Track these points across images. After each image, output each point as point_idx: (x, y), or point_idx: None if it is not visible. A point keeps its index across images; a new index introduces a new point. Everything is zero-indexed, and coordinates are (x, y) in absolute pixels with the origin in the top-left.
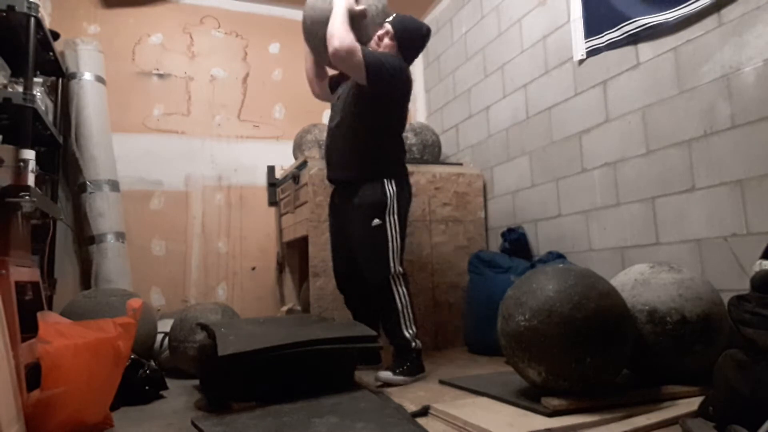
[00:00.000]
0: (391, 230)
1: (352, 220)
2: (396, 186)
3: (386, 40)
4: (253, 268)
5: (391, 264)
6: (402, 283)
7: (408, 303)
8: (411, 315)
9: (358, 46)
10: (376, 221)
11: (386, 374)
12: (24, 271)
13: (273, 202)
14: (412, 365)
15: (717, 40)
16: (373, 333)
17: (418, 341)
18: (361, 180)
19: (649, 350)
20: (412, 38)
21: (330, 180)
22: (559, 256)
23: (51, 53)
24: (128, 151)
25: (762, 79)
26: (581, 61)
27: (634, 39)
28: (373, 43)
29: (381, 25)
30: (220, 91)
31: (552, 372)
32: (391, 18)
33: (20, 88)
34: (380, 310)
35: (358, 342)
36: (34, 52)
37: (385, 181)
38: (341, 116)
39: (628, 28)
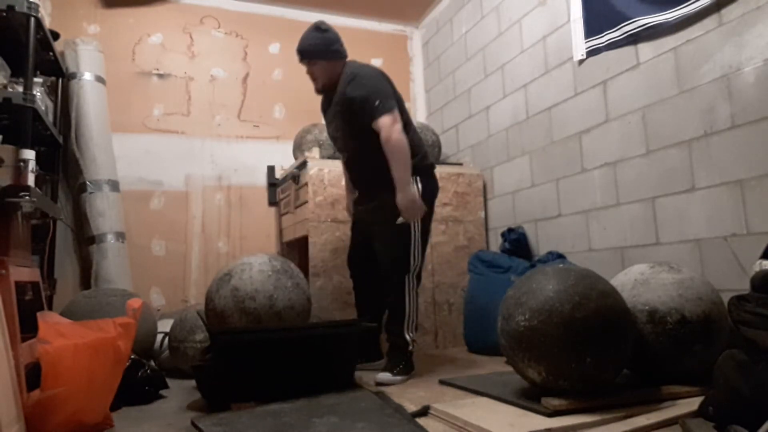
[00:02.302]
0: (415, 228)
1: (375, 219)
2: (421, 182)
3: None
4: None
5: (411, 262)
6: (415, 287)
7: (415, 308)
8: (415, 319)
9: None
10: (400, 219)
11: (385, 376)
12: (24, 271)
13: (273, 202)
14: (406, 364)
15: (717, 40)
16: (373, 324)
17: (414, 344)
18: (382, 188)
19: (649, 350)
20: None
21: (361, 203)
22: (559, 256)
23: (51, 53)
24: (128, 151)
25: (762, 79)
26: (581, 61)
27: (634, 39)
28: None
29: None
30: (220, 91)
31: (552, 372)
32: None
33: (20, 88)
34: (388, 307)
35: (356, 328)
36: (34, 52)
37: (410, 179)
38: (350, 140)
39: (628, 28)
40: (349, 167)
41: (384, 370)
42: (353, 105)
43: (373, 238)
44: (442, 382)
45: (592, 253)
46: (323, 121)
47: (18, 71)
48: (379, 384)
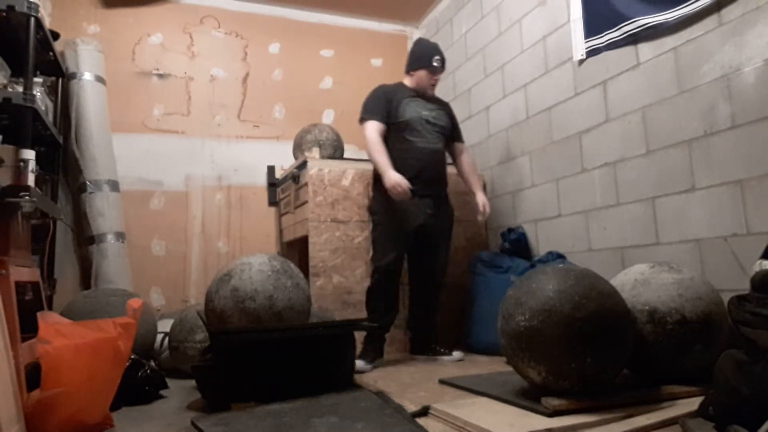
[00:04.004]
0: None
1: (446, 225)
2: None
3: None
4: None
5: None
6: None
7: None
8: None
9: None
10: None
11: (458, 353)
12: (24, 271)
13: (273, 202)
14: None
15: (717, 40)
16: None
17: None
18: (446, 194)
19: (649, 350)
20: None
21: (422, 195)
22: (559, 256)
23: (51, 53)
24: (128, 151)
25: (762, 79)
26: (581, 61)
27: (634, 39)
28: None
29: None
30: (220, 91)
31: (552, 372)
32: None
33: (20, 88)
34: (436, 303)
35: (356, 327)
36: (34, 52)
37: None
38: (442, 140)
39: (628, 28)
40: (426, 159)
41: (448, 351)
42: (455, 121)
43: (438, 243)
44: (442, 382)
45: (592, 253)
46: (324, 120)
47: (18, 71)
48: (459, 360)
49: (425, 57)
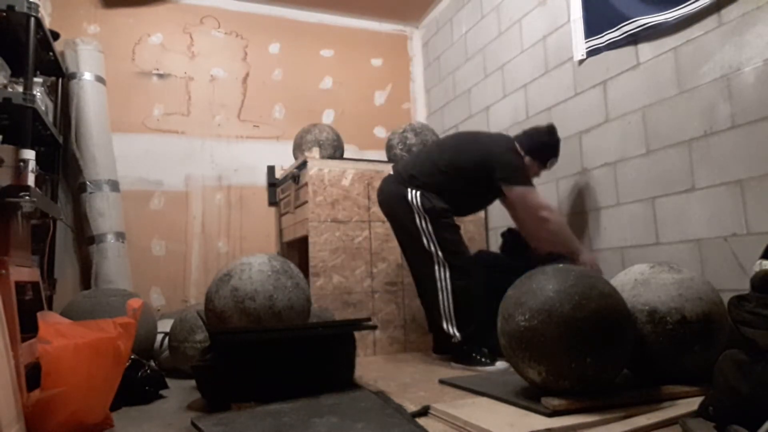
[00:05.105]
0: None
1: None
2: None
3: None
4: None
5: None
6: None
7: None
8: None
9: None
10: None
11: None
12: (24, 271)
13: (273, 202)
14: None
15: (717, 40)
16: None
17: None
18: None
19: (649, 350)
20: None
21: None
22: (560, 256)
23: (51, 53)
24: (128, 151)
25: (762, 79)
26: (581, 61)
27: (634, 39)
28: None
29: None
30: (220, 91)
31: (552, 372)
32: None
33: (20, 88)
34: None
35: (356, 327)
36: (34, 52)
37: None
38: None
39: (628, 28)
40: None
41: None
42: None
43: None
44: (442, 382)
45: (592, 253)
46: (324, 120)
47: (18, 71)
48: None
49: (550, 155)
